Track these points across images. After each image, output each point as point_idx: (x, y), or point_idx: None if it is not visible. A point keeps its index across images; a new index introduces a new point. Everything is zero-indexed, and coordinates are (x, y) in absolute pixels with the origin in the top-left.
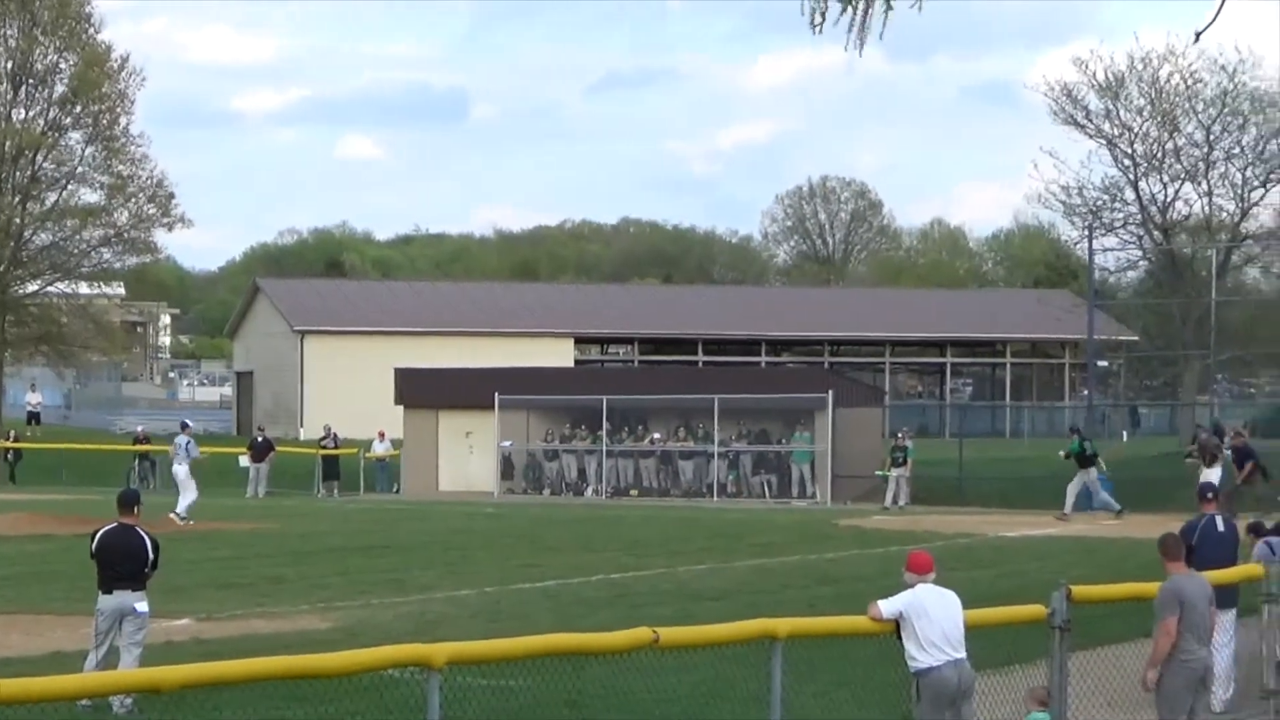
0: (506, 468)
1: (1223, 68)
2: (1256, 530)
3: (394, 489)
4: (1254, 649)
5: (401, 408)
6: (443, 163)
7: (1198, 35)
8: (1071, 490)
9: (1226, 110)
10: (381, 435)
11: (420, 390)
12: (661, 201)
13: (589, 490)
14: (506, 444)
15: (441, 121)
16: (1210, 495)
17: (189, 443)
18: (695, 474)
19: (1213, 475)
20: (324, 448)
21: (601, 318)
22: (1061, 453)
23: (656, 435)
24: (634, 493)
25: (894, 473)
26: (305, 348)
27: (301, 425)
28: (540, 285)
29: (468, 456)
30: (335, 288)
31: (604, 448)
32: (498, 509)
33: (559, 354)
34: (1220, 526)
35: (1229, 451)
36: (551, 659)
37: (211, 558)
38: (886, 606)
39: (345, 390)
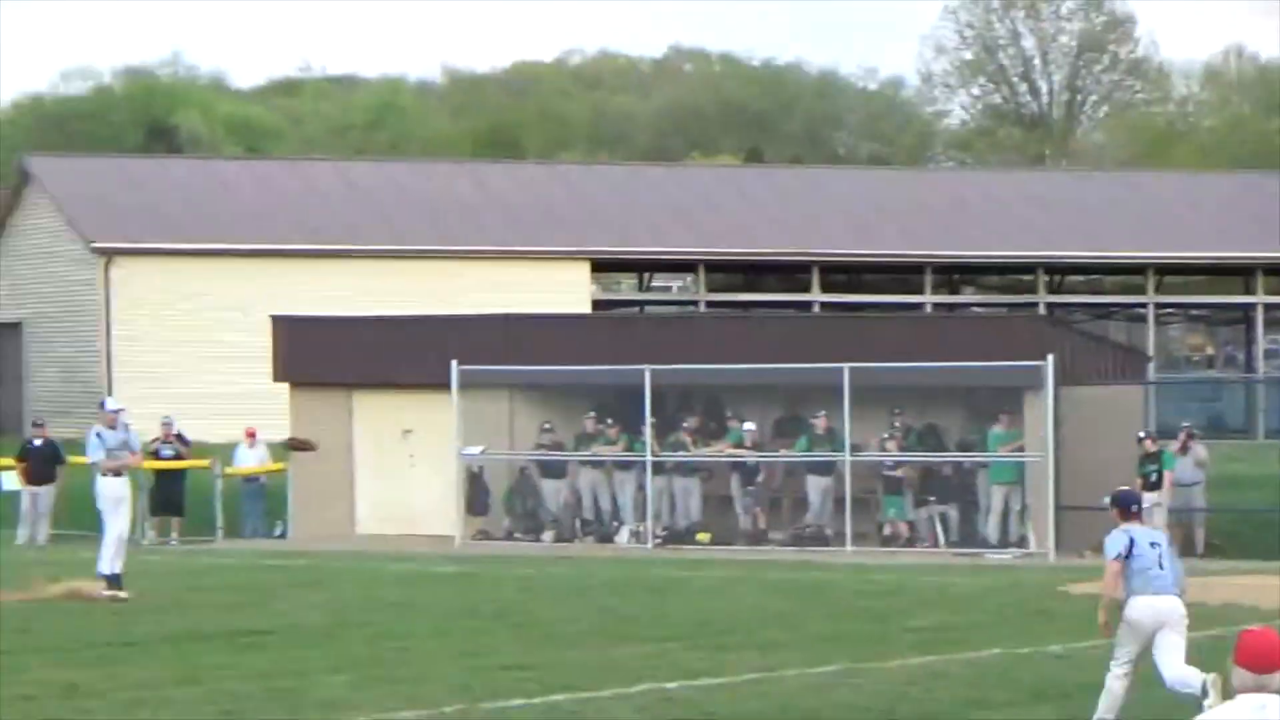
0: (475, 493)
1: None
2: None
3: (274, 529)
4: None
5: (286, 387)
6: None
7: None
8: None
9: None
10: (251, 437)
11: (318, 355)
12: (737, 22)
13: (623, 532)
14: (472, 451)
15: None
16: None
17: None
18: (819, 502)
19: None
20: (157, 456)
21: (639, 224)
22: None
23: (749, 426)
24: (703, 537)
25: (1147, 500)
26: (114, 280)
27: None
28: (527, 166)
29: (405, 473)
30: (163, 173)
31: (649, 457)
32: (460, 567)
33: (565, 289)
34: None
35: None
36: None
37: None
38: None
39: (186, 354)
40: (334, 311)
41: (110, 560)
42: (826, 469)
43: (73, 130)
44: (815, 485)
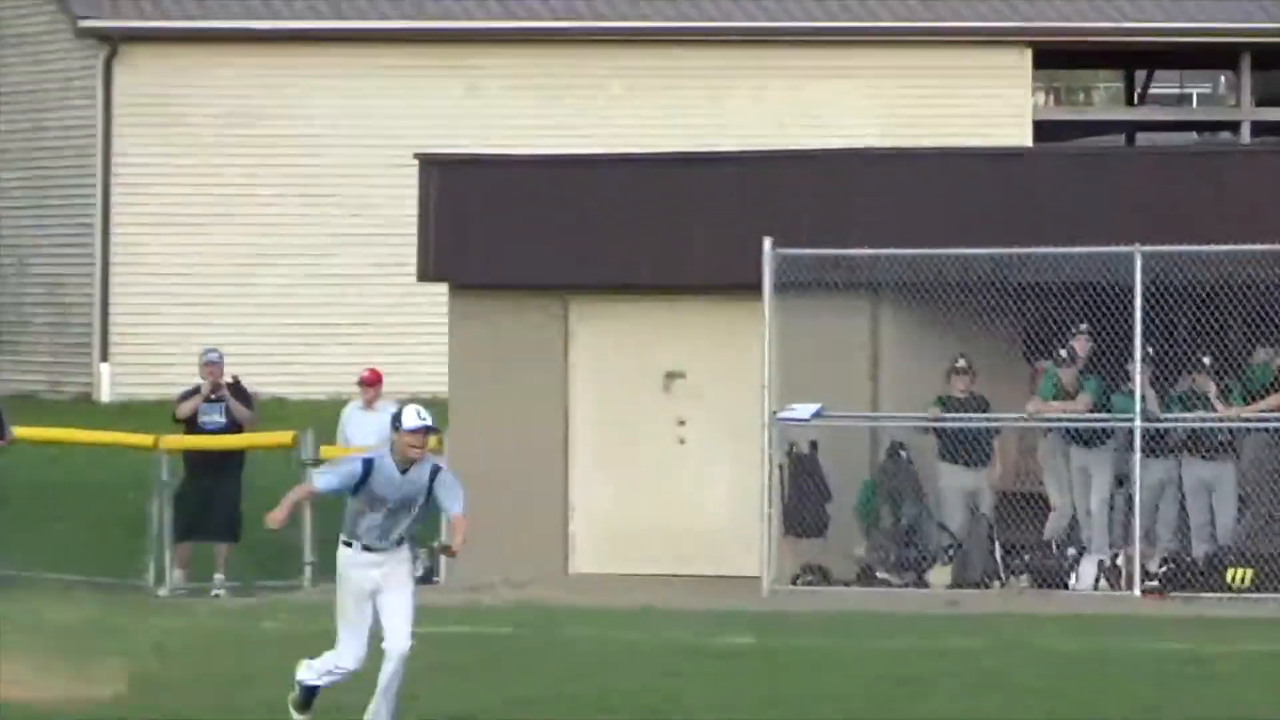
0: (802, 494)
1: None
2: None
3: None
4: None
5: (445, 292)
6: None
7: None
8: None
9: None
10: (371, 386)
11: (506, 232)
12: None
13: (1086, 566)
14: (800, 412)
15: None
16: None
17: None
18: None
19: None
20: (193, 426)
21: None
22: None
23: None
24: (1240, 575)
25: None
26: (119, 87)
27: (105, 355)
28: None
29: (668, 457)
30: None
31: (1139, 423)
32: (767, 637)
33: (981, 98)
34: None
35: None
36: None
37: None
38: None
39: (245, 229)
40: (525, 149)
41: (320, 667)
42: None
43: None
44: None
